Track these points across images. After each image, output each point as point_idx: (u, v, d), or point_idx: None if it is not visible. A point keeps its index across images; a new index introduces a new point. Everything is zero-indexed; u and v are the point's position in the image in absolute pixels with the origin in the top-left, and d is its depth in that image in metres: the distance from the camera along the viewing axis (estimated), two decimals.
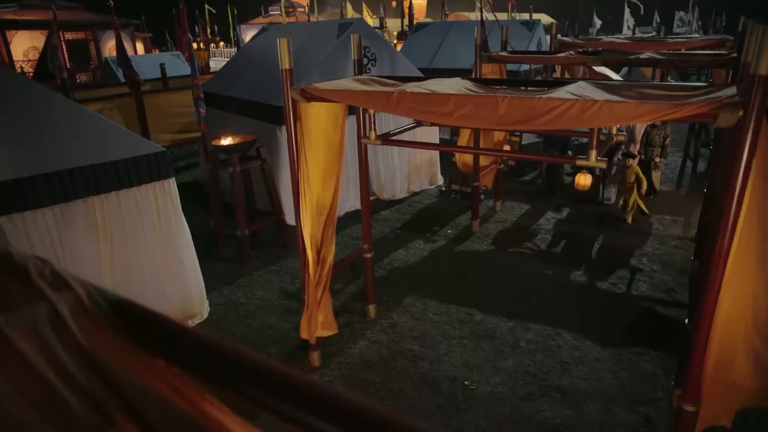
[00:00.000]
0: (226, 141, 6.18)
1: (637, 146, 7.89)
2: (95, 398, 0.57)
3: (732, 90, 2.80)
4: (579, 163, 3.40)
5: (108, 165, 4.18)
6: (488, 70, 6.45)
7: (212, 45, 26.19)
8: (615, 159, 7.52)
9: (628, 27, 21.62)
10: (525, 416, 3.85)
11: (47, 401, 0.54)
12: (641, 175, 6.97)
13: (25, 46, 18.41)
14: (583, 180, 7.25)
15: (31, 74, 17.20)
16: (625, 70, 9.83)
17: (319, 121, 3.96)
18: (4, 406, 0.52)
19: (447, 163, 8.63)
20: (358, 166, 4.96)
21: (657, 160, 7.82)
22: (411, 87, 3.41)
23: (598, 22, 23.23)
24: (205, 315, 5.20)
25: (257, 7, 33.58)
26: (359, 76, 4.18)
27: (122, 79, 10.05)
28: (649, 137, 7.74)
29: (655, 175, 8.04)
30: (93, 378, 0.58)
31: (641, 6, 21.06)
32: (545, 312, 5.13)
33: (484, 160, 7.21)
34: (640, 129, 7.88)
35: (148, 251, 4.60)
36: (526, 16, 19.54)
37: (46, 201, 3.89)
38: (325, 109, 3.99)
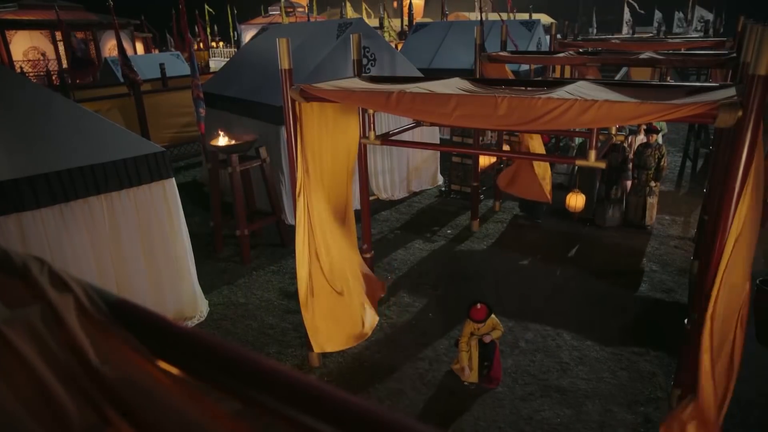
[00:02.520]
0: (226, 141, 6.18)
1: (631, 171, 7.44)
2: (91, 398, 0.57)
3: (731, 90, 2.80)
4: (579, 163, 3.40)
5: (108, 165, 4.18)
6: (492, 71, 6.40)
7: (212, 45, 26.23)
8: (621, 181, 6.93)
9: (626, 23, 21.69)
10: (524, 416, 3.85)
11: (43, 401, 0.54)
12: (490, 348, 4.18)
13: (24, 46, 18.42)
14: (575, 201, 6.95)
15: (30, 74, 17.20)
16: (624, 70, 9.83)
17: (326, 127, 3.97)
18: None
19: (447, 163, 8.62)
20: (357, 166, 4.96)
21: (652, 184, 6.82)
22: (410, 87, 3.41)
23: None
24: (205, 315, 5.20)
25: (257, 7, 33.55)
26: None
27: (122, 79, 10.05)
28: (642, 158, 6.78)
29: (651, 203, 6.96)
30: (89, 378, 0.58)
31: (640, 11, 21.18)
32: (545, 312, 5.12)
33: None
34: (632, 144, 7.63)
35: (147, 251, 4.59)
36: (525, 16, 19.54)
37: (46, 201, 3.90)
38: (333, 114, 3.99)
